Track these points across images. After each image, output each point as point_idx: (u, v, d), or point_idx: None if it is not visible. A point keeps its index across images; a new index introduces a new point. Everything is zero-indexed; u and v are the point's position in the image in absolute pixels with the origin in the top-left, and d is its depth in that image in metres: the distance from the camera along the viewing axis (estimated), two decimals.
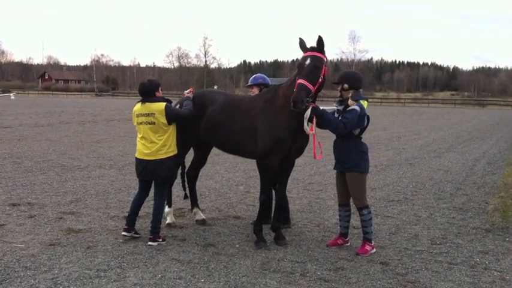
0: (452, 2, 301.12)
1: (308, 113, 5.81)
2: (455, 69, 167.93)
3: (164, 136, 6.16)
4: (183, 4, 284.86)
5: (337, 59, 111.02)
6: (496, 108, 67.10)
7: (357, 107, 5.90)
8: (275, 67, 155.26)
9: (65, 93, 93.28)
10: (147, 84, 6.30)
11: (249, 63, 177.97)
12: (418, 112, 49.14)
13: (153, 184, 6.47)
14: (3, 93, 76.43)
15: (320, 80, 5.81)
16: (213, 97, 6.79)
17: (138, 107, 6.25)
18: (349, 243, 6.38)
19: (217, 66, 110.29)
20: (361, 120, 5.96)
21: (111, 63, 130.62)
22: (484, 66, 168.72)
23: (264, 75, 7.49)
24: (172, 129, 6.25)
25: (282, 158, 6.24)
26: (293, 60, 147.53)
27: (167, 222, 7.06)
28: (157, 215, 6.30)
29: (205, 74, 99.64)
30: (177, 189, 7.72)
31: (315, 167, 12.43)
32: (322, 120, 5.88)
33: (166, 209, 7.16)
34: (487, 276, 5.41)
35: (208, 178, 10.63)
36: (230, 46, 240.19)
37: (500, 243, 6.59)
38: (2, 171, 10.83)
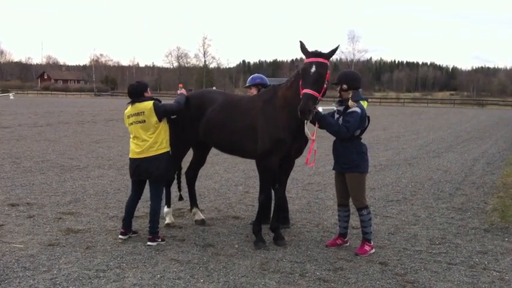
0: (452, 2, 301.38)
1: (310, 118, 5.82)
2: (454, 69, 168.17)
3: (155, 133, 6.20)
4: (182, 4, 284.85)
5: (336, 59, 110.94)
6: (495, 108, 67.15)
7: (357, 109, 5.89)
8: (274, 67, 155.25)
9: (64, 93, 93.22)
10: (136, 85, 6.42)
11: (248, 63, 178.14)
12: (417, 112, 49.17)
13: (148, 185, 6.47)
14: (2, 93, 76.32)
15: (325, 86, 5.80)
16: (212, 97, 6.79)
17: (128, 109, 6.35)
18: (348, 244, 6.38)
19: (216, 66, 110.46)
20: (362, 121, 5.95)
21: (110, 63, 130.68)
22: (483, 66, 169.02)
23: (261, 75, 7.49)
24: (163, 127, 6.28)
25: (281, 158, 6.24)
26: (292, 60, 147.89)
27: (166, 222, 7.06)
28: (155, 215, 6.30)
29: (205, 74, 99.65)
30: (176, 190, 7.70)
31: (314, 167, 12.41)
32: (324, 124, 5.88)
33: (165, 209, 7.16)
34: (486, 277, 5.41)
35: (207, 178, 10.63)
36: (229, 46, 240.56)
37: (499, 243, 6.59)
38: (1, 172, 10.82)
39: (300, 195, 9.29)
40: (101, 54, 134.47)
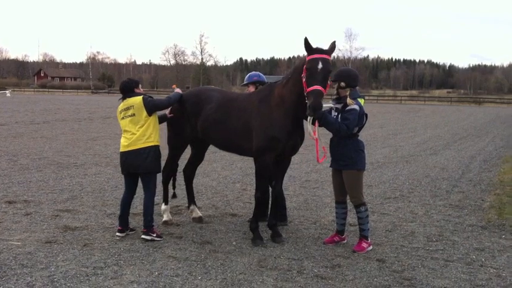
0: (449, 0, 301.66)
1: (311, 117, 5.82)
2: (451, 67, 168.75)
3: (143, 127, 6.25)
4: (179, 1, 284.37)
5: (334, 57, 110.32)
6: (492, 105, 67.22)
7: (356, 106, 5.89)
8: (272, 65, 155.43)
9: (61, 90, 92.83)
10: (127, 81, 6.56)
11: (246, 60, 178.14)
12: (414, 110, 49.20)
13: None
14: None
15: (329, 82, 5.83)
16: (210, 95, 6.79)
17: (120, 105, 6.45)
18: (345, 241, 6.39)
19: (213, 63, 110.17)
20: (361, 118, 5.96)
21: (107, 60, 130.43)
22: (480, 64, 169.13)
23: (258, 73, 7.50)
24: (151, 121, 6.31)
25: (276, 156, 6.24)
26: (290, 57, 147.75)
27: (164, 220, 7.06)
28: (147, 209, 6.32)
29: (202, 72, 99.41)
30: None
31: (311, 164, 12.44)
32: (324, 122, 5.88)
33: (163, 206, 7.17)
34: (483, 273, 5.42)
35: (204, 176, 10.63)
36: (226, 43, 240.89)
37: (496, 240, 6.61)
38: None
39: (297, 193, 9.30)
40: (98, 52, 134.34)
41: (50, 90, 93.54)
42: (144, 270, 5.28)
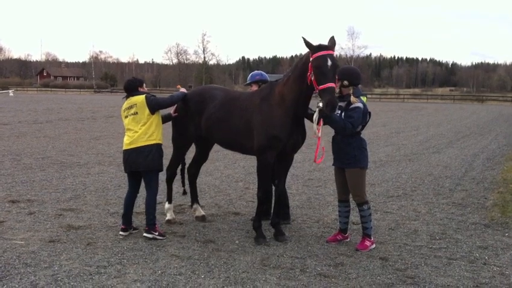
0: None
1: (316, 115, 5.81)
2: (454, 65, 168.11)
3: (145, 125, 6.26)
4: (181, 0, 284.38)
5: (336, 55, 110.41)
6: (495, 103, 67.08)
7: (360, 104, 5.90)
8: (274, 63, 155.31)
9: (64, 90, 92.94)
10: (131, 80, 6.60)
11: (248, 59, 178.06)
12: (417, 108, 49.14)
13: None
14: (1, 90, 76.26)
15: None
16: (213, 93, 6.80)
17: (124, 104, 6.49)
18: (348, 239, 6.39)
19: (215, 62, 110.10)
20: (364, 116, 5.96)
21: (109, 59, 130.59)
22: (483, 61, 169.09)
23: (261, 72, 7.50)
24: (154, 119, 6.33)
25: (278, 155, 6.24)
26: (292, 56, 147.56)
27: (167, 218, 7.07)
28: (149, 207, 6.34)
29: (204, 71, 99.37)
30: (177, 186, 7.72)
31: (314, 163, 12.42)
32: (329, 121, 5.87)
33: (167, 205, 7.18)
34: (487, 271, 5.42)
35: (207, 174, 10.64)
36: (229, 42, 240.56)
37: (499, 239, 6.60)
38: (1, 168, 10.82)
39: (300, 191, 9.30)
40: (100, 51, 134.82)
41: (52, 89, 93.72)
42: (147, 268, 5.29)
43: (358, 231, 6.59)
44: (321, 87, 5.52)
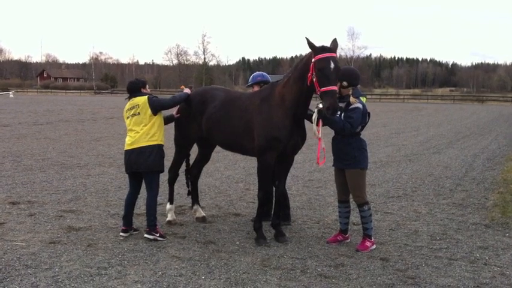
0: None
1: (315, 115, 5.81)
2: (454, 65, 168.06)
3: (147, 126, 6.28)
4: (181, 1, 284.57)
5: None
6: (495, 104, 67.07)
7: (359, 105, 5.90)
8: (274, 64, 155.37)
9: (64, 91, 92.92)
10: (134, 81, 6.65)
11: (248, 60, 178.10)
12: (417, 108, 49.14)
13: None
14: (2, 91, 76.26)
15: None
16: (214, 94, 6.81)
17: (126, 105, 6.51)
18: (349, 240, 6.39)
19: (216, 63, 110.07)
20: (364, 117, 5.96)
21: (109, 60, 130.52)
22: (483, 62, 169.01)
23: (262, 73, 7.50)
24: (156, 120, 6.34)
25: (278, 156, 6.24)
26: (292, 57, 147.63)
27: (167, 219, 7.08)
28: (150, 209, 6.34)
29: (204, 72, 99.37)
30: (178, 186, 7.73)
31: (314, 163, 12.43)
32: (328, 121, 5.87)
33: (168, 206, 7.19)
34: (487, 272, 5.42)
35: (208, 175, 10.63)
36: (229, 43, 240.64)
37: (500, 239, 6.60)
38: (2, 170, 10.82)
39: (300, 192, 9.30)
40: (101, 52, 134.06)
41: (53, 90, 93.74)
42: (148, 270, 5.29)
43: (359, 231, 6.59)
44: (323, 89, 5.53)
